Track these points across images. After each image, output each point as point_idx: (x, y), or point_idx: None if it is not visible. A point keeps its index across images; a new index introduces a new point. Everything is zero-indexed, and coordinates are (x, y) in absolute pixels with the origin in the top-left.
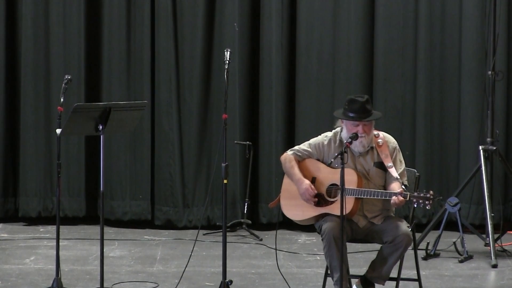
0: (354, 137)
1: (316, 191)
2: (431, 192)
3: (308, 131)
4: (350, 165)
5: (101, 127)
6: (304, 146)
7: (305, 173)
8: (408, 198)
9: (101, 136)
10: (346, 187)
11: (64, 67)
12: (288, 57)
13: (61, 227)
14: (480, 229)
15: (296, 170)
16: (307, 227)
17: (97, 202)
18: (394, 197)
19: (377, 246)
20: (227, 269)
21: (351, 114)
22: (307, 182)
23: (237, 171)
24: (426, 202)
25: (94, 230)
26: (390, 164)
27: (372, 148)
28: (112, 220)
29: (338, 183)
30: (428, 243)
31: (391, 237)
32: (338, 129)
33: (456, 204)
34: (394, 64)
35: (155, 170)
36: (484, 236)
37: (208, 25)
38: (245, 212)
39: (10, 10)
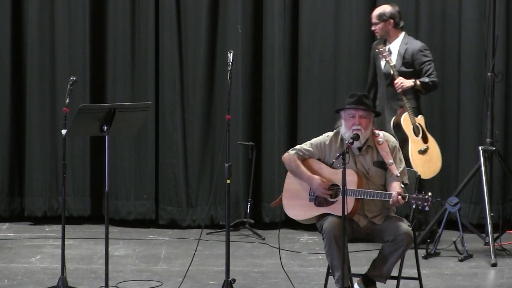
0: (356, 137)
1: (329, 183)
2: (429, 193)
3: (310, 131)
4: (351, 164)
5: (106, 128)
6: (305, 145)
7: None
8: (406, 200)
9: (106, 137)
10: (346, 187)
11: (70, 68)
12: (291, 59)
13: (66, 226)
14: (479, 228)
15: (304, 169)
16: (309, 226)
17: (102, 201)
18: (393, 198)
19: (378, 245)
20: (230, 268)
21: (348, 106)
22: (317, 177)
23: (240, 171)
24: (425, 204)
25: (99, 229)
26: (391, 161)
27: (371, 147)
28: (116, 220)
29: (339, 184)
30: (428, 242)
31: (392, 236)
32: (339, 129)
33: (456, 204)
34: None
35: (159, 170)
36: (483, 235)
37: (211, 27)
38: (248, 211)
39: (16, 13)
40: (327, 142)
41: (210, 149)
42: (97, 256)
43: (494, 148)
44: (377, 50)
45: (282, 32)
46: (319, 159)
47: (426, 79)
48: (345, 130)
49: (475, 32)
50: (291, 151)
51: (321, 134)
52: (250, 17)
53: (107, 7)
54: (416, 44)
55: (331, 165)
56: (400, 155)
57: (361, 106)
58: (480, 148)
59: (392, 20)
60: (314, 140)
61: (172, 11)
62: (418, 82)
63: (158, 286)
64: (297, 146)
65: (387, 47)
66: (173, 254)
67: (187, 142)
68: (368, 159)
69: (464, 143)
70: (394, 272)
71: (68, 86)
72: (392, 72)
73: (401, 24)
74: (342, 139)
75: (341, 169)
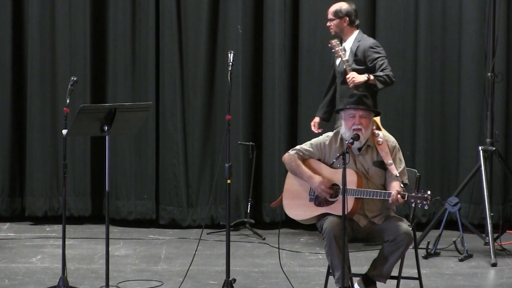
0: (356, 137)
1: (330, 183)
2: (428, 192)
3: (310, 131)
4: (351, 164)
5: (106, 128)
6: (305, 146)
7: None
8: (406, 199)
9: (107, 137)
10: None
11: (70, 68)
12: (291, 59)
13: (67, 226)
14: (479, 228)
15: (304, 168)
16: (310, 226)
17: (103, 201)
18: (392, 197)
19: (378, 245)
20: (231, 268)
21: (348, 106)
22: (318, 177)
23: (240, 171)
24: (424, 203)
25: (100, 229)
26: (390, 161)
27: (371, 147)
28: (117, 220)
29: (339, 183)
30: (428, 242)
31: (392, 236)
32: (339, 129)
33: (456, 204)
34: (395, 65)
35: (159, 170)
36: (483, 235)
37: (211, 27)
38: (248, 211)
39: (17, 12)
40: (327, 142)
41: (211, 149)
42: (98, 256)
43: (494, 148)
44: (329, 45)
45: (283, 32)
46: (319, 159)
47: (380, 73)
48: (345, 130)
49: (475, 32)
50: (291, 151)
51: (321, 134)
52: (251, 17)
53: (108, 7)
54: (368, 41)
55: (331, 165)
56: (400, 155)
57: (361, 106)
58: (480, 148)
59: (347, 18)
60: (314, 140)
61: (172, 11)
62: (371, 77)
63: (158, 286)
64: (297, 147)
65: (339, 42)
66: (174, 254)
67: (187, 142)
68: (368, 159)
69: (464, 143)
70: (394, 272)
71: (69, 86)
72: (344, 68)
73: (357, 22)
74: (342, 139)
75: (341, 169)
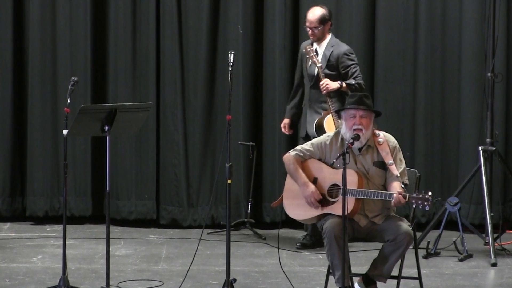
0: (356, 137)
1: (321, 197)
2: (429, 193)
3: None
4: (351, 164)
5: (107, 128)
6: (306, 146)
7: (307, 173)
8: (407, 199)
9: (107, 137)
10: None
11: (71, 69)
12: (291, 59)
13: (67, 226)
14: (479, 228)
15: (301, 173)
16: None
17: (103, 201)
18: (395, 199)
19: (378, 245)
20: (231, 268)
21: (348, 106)
22: (312, 187)
23: (240, 171)
24: (425, 203)
25: (100, 229)
26: (391, 161)
27: (372, 147)
28: (118, 220)
29: (340, 183)
30: (428, 242)
31: (393, 236)
32: (340, 129)
33: (456, 204)
34: (395, 66)
35: (160, 170)
36: (483, 235)
37: (212, 27)
38: (249, 211)
39: (18, 13)
40: (328, 142)
41: (211, 149)
42: (98, 255)
43: (494, 148)
44: (304, 50)
45: (283, 32)
46: (319, 159)
47: (352, 81)
48: (345, 130)
49: (475, 32)
50: (292, 152)
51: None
52: (251, 17)
53: (108, 7)
54: (342, 48)
55: (331, 165)
56: (400, 155)
57: (362, 106)
58: (480, 148)
59: (330, 22)
60: (315, 140)
61: (173, 12)
62: (344, 84)
63: (159, 286)
64: (298, 147)
65: (314, 48)
66: (174, 254)
67: (188, 142)
68: (368, 159)
69: (464, 143)
70: (394, 272)
71: (70, 86)
72: (316, 73)
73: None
74: (342, 139)
75: (342, 169)
